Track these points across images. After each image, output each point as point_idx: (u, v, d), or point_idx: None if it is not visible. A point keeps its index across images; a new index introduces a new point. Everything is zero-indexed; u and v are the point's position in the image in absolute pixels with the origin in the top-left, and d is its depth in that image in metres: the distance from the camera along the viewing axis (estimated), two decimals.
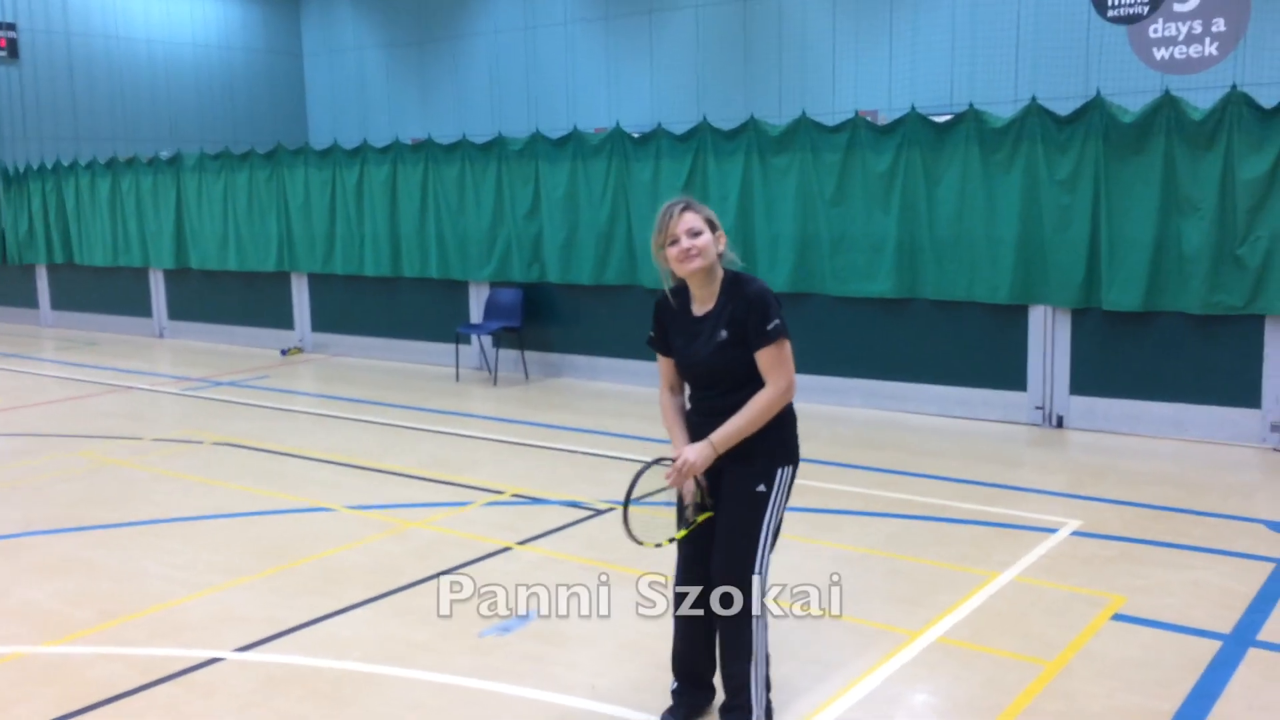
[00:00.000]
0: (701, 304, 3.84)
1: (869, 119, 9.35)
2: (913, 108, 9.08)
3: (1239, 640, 4.68)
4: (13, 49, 21.03)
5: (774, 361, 3.70)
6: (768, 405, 3.68)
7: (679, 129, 10.31)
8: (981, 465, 7.56)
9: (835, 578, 5.36)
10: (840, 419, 8.95)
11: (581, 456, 8.10)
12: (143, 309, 15.34)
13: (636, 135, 10.46)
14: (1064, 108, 8.46)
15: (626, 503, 3.67)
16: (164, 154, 14.51)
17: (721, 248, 3.82)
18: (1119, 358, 8.37)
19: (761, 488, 3.77)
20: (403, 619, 5.10)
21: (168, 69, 24.66)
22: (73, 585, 5.60)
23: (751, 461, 3.76)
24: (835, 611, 5.06)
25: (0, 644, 4.90)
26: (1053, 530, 6.15)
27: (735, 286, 3.79)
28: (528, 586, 5.45)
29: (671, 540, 3.84)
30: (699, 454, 3.69)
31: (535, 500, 6.97)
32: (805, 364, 9.87)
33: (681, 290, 3.90)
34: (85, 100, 23.76)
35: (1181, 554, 5.75)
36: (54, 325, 16.65)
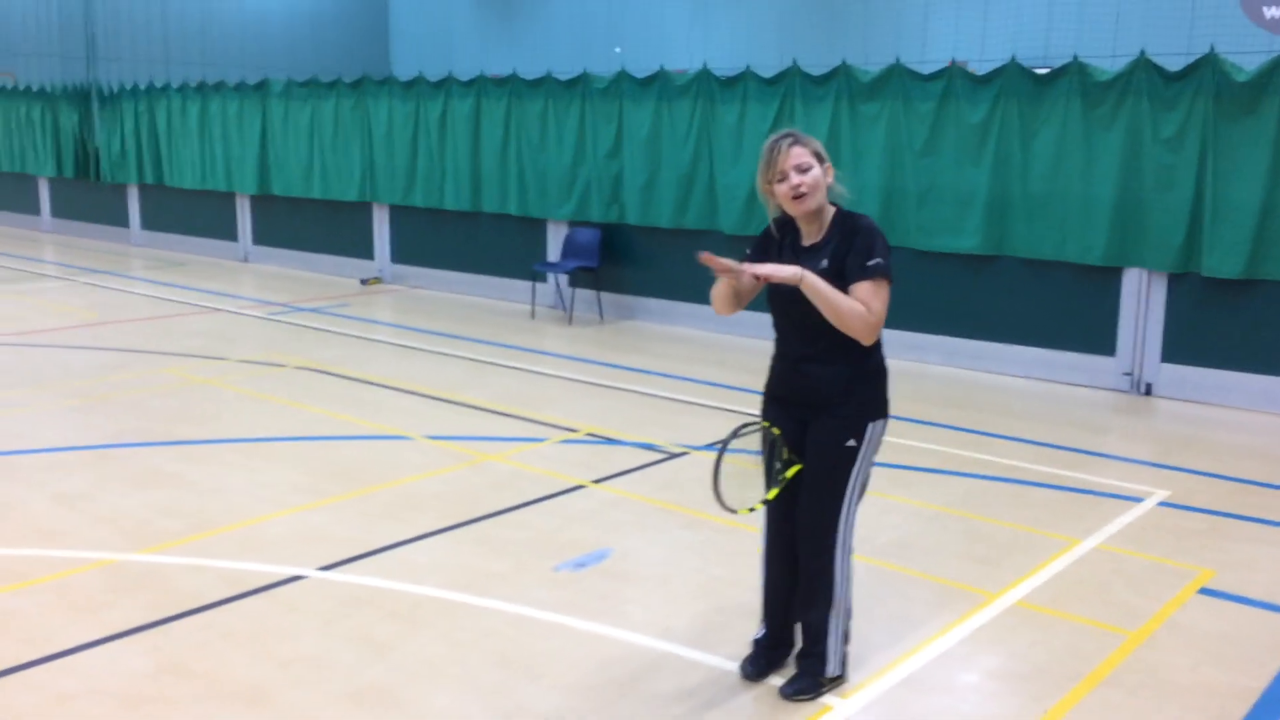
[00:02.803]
0: (809, 237, 3.76)
1: (964, 69, 9.07)
2: (1012, 58, 8.79)
3: None
4: None
5: (871, 293, 3.57)
6: (854, 312, 3.54)
7: (764, 73, 10.10)
8: (1065, 430, 7.40)
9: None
10: (919, 375, 8.81)
11: (655, 399, 8.09)
12: (229, 233, 15.61)
13: (723, 78, 10.29)
14: (1165, 65, 8.13)
15: (716, 473, 3.59)
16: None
17: (830, 180, 3.72)
18: (1215, 326, 8.10)
19: (851, 442, 3.71)
20: (479, 549, 5.16)
21: None
22: (162, 496, 5.77)
23: (841, 414, 3.70)
24: (911, 569, 5.02)
25: (92, 549, 5.07)
26: (1138, 499, 6.01)
27: (847, 221, 3.70)
28: (603, 524, 5.50)
29: (764, 503, 3.79)
30: (787, 266, 3.55)
31: (609, 440, 6.99)
32: (887, 318, 9.75)
33: (786, 222, 3.81)
34: (176, 24, 24.08)
35: (1272, 530, 5.58)
36: (143, 245, 17.03)
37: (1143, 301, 8.36)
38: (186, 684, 3.87)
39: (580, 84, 11.24)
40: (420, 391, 8.15)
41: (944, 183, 9.13)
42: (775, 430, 3.80)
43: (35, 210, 18.96)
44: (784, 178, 3.66)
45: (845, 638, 3.92)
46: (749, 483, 3.79)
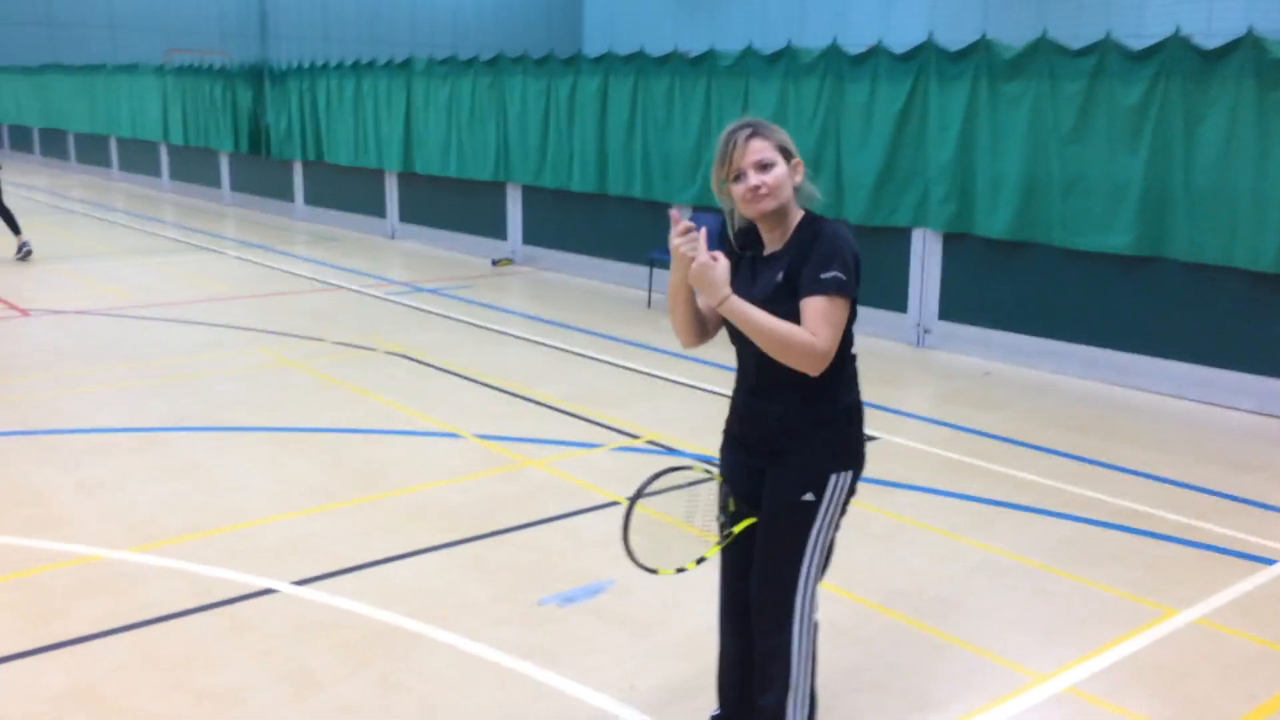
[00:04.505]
0: (771, 246, 3.11)
1: (1119, 44, 7.90)
2: (1177, 29, 7.60)
3: None
4: None
5: (820, 314, 2.88)
6: (793, 338, 2.86)
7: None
8: (1201, 466, 6.31)
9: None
10: (1048, 388, 7.78)
11: None
12: (378, 209, 15.84)
13: (853, 55, 9.44)
14: None
15: (626, 523, 3.02)
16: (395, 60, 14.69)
17: (799, 179, 3.06)
18: None
19: (809, 496, 3.05)
20: (469, 571, 4.74)
21: None
22: (179, 489, 5.62)
23: (797, 462, 3.04)
24: (951, 634, 4.26)
25: (88, 544, 4.95)
26: (1269, 561, 4.98)
27: (811, 226, 3.03)
28: (618, 551, 4.97)
29: (700, 561, 3.19)
30: (719, 271, 2.89)
31: (668, 450, 6.43)
32: (1019, 323, 8.75)
33: (749, 230, 3.17)
34: (369, 2, 24.68)
35: None
36: (305, 220, 17.53)
37: None
38: (82, 712, 3.60)
39: (706, 61, 10.62)
40: (493, 383, 7.81)
41: (1093, 173, 8.04)
42: (720, 477, 3.18)
43: (218, 184, 19.89)
44: (741, 176, 3.02)
45: None
46: (678, 537, 3.18)
